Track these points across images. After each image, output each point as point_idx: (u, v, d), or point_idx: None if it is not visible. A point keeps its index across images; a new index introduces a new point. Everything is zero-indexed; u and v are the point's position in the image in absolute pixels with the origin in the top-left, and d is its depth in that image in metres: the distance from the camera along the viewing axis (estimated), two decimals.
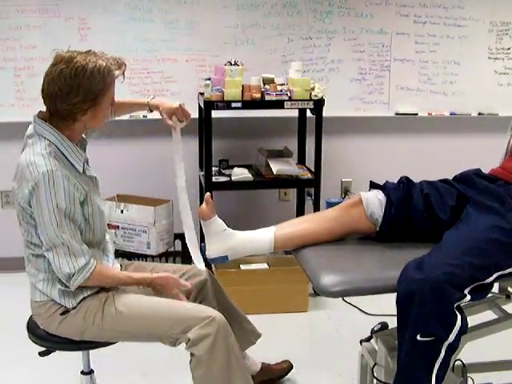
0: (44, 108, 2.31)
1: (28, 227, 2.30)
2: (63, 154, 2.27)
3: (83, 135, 2.46)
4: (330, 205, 3.96)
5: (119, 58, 2.33)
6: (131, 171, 4.54)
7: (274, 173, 4.05)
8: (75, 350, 2.49)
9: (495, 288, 2.24)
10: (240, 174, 4.15)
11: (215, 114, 3.96)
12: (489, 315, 2.56)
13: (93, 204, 2.33)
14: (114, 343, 2.45)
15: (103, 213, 2.44)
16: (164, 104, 2.65)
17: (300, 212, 4.53)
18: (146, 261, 3.93)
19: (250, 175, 4.17)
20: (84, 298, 2.35)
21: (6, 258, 4.50)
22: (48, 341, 2.42)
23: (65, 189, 2.20)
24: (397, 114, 4.69)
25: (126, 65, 2.34)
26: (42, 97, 2.26)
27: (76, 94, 2.19)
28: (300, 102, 4.00)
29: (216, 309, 2.50)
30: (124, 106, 2.70)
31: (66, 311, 2.34)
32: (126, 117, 4.21)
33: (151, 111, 2.70)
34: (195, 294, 2.66)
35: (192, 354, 2.30)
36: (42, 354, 2.49)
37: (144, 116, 4.34)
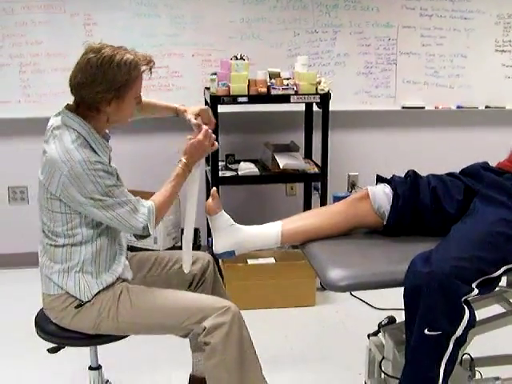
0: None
1: (53, 216, 2.31)
2: (90, 146, 2.29)
3: (106, 130, 2.48)
4: (337, 199, 3.96)
5: (149, 55, 2.36)
6: (139, 167, 4.54)
7: (281, 167, 4.04)
8: (85, 345, 2.50)
9: (503, 282, 2.24)
10: (246, 168, 4.15)
11: (221, 108, 3.95)
12: (496, 309, 2.56)
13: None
14: (125, 337, 2.45)
15: None
16: (191, 107, 2.68)
17: (307, 206, 4.53)
18: None
19: (257, 170, 4.16)
20: (99, 292, 2.37)
21: (13, 253, 4.50)
22: (58, 336, 2.42)
23: (104, 169, 2.26)
24: (403, 107, 4.68)
25: (154, 62, 2.36)
26: (70, 86, 2.29)
27: (100, 83, 2.22)
28: (306, 96, 3.99)
29: (210, 293, 2.58)
30: (152, 106, 2.73)
31: (80, 304, 2.35)
32: None
33: (177, 116, 2.72)
34: (199, 277, 2.69)
35: (206, 344, 2.31)
36: (50, 350, 2.48)
37: None
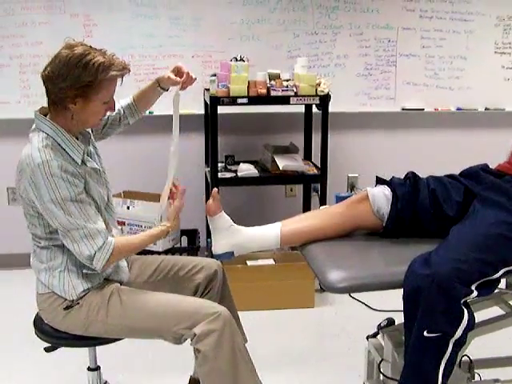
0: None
1: (31, 219, 2.32)
2: (60, 146, 2.26)
3: (88, 130, 2.46)
4: (339, 199, 3.96)
5: (125, 62, 2.30)
6: (137, 168, 4.55)
7: (280, 168, 4.04)
8: (80, 346, 2.50)
9: (502, 284, 2.23)
10: (246, 169, 4.15)
11: (221, 109, 3.95)
12: (496, 311, 2.55)
13: (92, 194, 2.33)
14: (119, 339, 2.44)
15: (109, 205, 2.49)
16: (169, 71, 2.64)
17: (306, 208, 4.53)
18: None
19: (256, 171, 4.16)
20: (85, 292, 2.36)
21: (13, 254, 4.51)
22: (53, 337, 2.42)
23: (63, 177, 2.19)
24: (403, 109, 4.68)
25: (129, 70, 2.32)
26: (42, 78, 2.27)
27: (64, 79, 2.19)
28: (306, 98, 3.99)
29: (217, 302, 2.52)
30: (139, 96, 2.67)
31: (68, 306, 2.35)
32: None
33: (162, 88, 2.64)
34: (204, 286, 2.66)
35: (197, 351, 2.29)
36: (47, 349, 2.48)
37: (150, 112, 4.34)
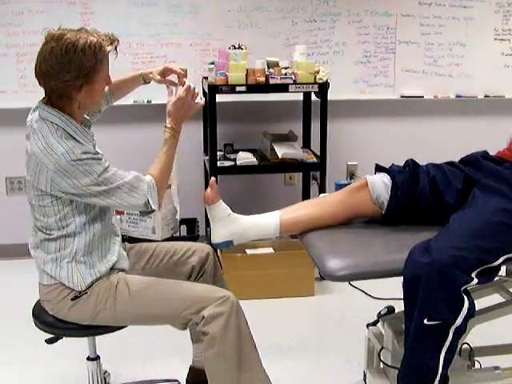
0: None
1: (46, 210, 2.29)
2: (71, 136, 2.25)
3: (86, 116, 2.45)
4: (339, 186, 3.95)
5: (111, 34, 2.30)
6: (135, 157, 4.52)
7: (279, 157, 4.03)
8: (84, 335, 2.50)
9: (502, 271, 2.23)
10: (245, 158, 4.14)
11: (219, 98, 3.94)
12: (496, 298, 2.55)
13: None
14: (123, 327, 2.44)
15: None
16: (154, 68, 2.65)
17: (305, 196, 4.52)
18: None
19: (255, 159, 4.15)
20: (93, 282, 2.35)
21: (11, 244, 4.50)
22: (56, 327, 2.41)
23: (89, 158, 2.21)
24: (402, 96, 4.67)
25: (118, 40, 2.32)
26: (36, 77, 2.24)
27: (68, 71, 2.17)
28: (305, 86, 3.97)
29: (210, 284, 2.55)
30: (119, 85, 2.68)
31: (76, 296, 2.34)
32: (129, 102, 4.21)
33: (145, 82, 2.68)
34: (198, 269, 2.67)
35: (205, 333, 2.30)
36: (48, 341, 2.47)
37: (148, 101, 4.33)
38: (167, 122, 2.44)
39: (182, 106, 2.45)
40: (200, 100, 2.52)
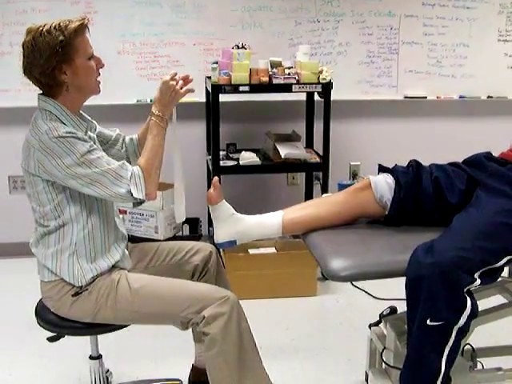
0: None
1: (40, 197, 2.30)
2: (61, 121, 2.27)
3: (90, 119, 2.45)
4: (341, 187, 3.95)
5: (81, 15, 2.32)
6: None
7: (282, 157, 4.03)
8: (86, 334, 2.50)
9: (505, 272, 2.23)
10: (248, 158, 4.14)
11: (223, 97, 3.94)
12: (498, 299, 2.55)
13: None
14: (125, 326, 2.44)
15: None
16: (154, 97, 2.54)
17: (308, 196, 4.52)
18: None
19: (258, 159, 4.15)
20: (94, 278, 2.35)
21: (14, 243, 4.50)
22: (58, 326, 2.41)
23: (73, 136, 2.21)
24: (405, 97, 4.66)
25: (88, 19, 2.32)
26: (25, 75, 2.31)
27: (41, 55, 2.22)
28: (308, 86, 3.97)
29: (214, 284, 2.55)
30: (144, 133, 2.59)
31: (77, 293, 2.34)
32: (132, 101, 4.21)
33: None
34: (201, 268, 2.67)
35: (205, 334, 2.31)
36: (51, 339, 2.47)
37: (151, 100, 4.32)
38: (152, 109, 2.44)
39: (166, 90, 2.43)
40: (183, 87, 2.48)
